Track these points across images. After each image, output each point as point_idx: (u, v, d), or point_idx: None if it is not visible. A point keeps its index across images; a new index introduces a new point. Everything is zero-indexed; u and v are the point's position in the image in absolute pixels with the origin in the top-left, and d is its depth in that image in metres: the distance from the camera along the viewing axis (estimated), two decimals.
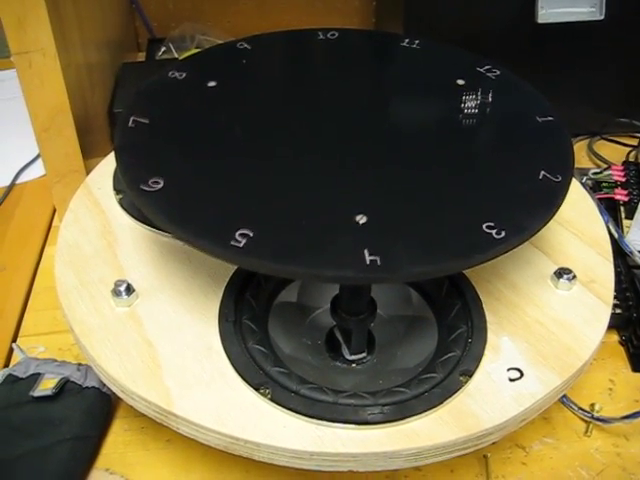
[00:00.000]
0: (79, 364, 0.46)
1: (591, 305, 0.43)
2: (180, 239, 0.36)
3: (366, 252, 0.34)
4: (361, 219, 0.36)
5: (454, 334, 0.41)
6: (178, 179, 0.38)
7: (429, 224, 0.37)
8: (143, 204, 0.37)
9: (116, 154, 0.40)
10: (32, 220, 0.63)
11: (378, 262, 0.34)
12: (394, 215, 0.37)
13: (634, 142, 0.69)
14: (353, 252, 0.34)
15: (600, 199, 0.58)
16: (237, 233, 0.35)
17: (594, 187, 0.61)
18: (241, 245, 0.34)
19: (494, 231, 0.36)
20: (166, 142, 0.41)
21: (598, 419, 0.46)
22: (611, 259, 0.47)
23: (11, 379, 0.45)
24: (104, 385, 0.44)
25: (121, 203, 0.49)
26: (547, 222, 0.38)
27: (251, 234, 0.35)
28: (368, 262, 0.34)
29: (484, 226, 0.36)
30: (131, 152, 0.40)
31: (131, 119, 0.42)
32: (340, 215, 0.36)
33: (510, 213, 0.37)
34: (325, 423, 0.36)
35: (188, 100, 0.45)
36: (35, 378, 0.45)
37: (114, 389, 0.40)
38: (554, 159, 0.41)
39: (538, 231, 0.37)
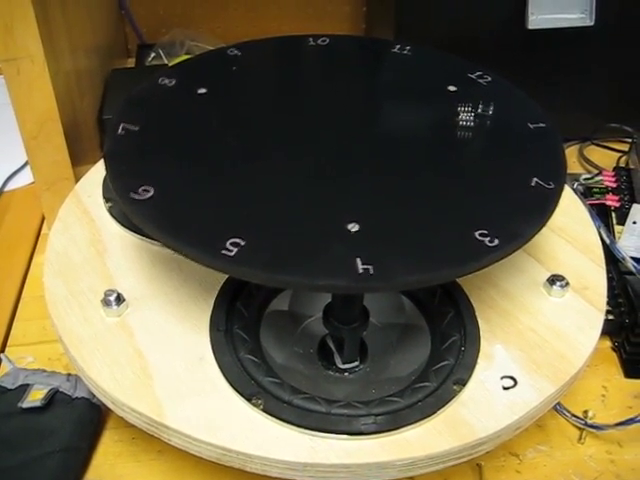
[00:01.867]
0: (69, 374, 0.46)
1: (584, 312, 0.43)
2: (170, 248, 0.36)
3: (359, 261, 0.34)
4: (353, 227, 0.36)
5: (447, 342, 0.41)
6: (168, 187, 0.38)
7: (422, 232, 0.36)
8: (133, 212, 0.37)
9: (105, 161, 0.40)
10: (20, 228, 0.63)
11: (371, 271, 0.33)
12: (387, 223, 0.37)
13: (625, 147, 0.69)
14: (345, 261, 0.34)
15: (591, 205, 0.57)
16: (228, 242, 0.34)
17: (585, 193, 0.61)
18: (232, 254, 0.34)
19: (487, 239, 0.35)
20: (156, 149, 0.41)
21: (591, 426, 0.46)
22: (603, 265, 0.46)
23: None
24: (94, 396, 0.44)
25: (111, 211, 0.49)
26: (540, 229, 0.37)
27: (242, 243, 0.34)
28: (361, 271, 0.33)
29: (477, 234, 0.36)
30: (121, 159, 0.40)
31: (121, 126, 0.42)
32: (332, 223, 0.36)
33: (503, 220, 0.37)
34: (318, 434, 0.36)
35: (178, 107, 0.45)
36: (24, 389, 0.45)
37: (104, 400, 0.39)
38: (546, 166, 0.41)
39: (531, 238, 0.37)
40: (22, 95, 0.52)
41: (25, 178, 0.68)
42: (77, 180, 0.54)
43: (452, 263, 0.35)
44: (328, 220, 0.37)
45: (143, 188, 0.37)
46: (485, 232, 0.36)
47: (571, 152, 0.71)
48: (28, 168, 0.65)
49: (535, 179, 0.40)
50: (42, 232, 0.62)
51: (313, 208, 0.38)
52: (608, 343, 0.52)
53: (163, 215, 0.36)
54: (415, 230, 0.36)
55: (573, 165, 0.70)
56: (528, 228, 0.37)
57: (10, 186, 0.68)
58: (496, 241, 0.35)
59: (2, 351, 0.51)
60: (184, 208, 0.37)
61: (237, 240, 0.34)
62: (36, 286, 0.56)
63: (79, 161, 0.58)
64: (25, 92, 0.52)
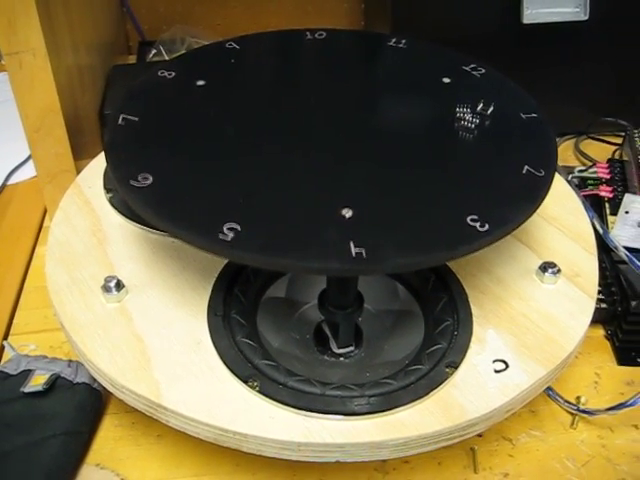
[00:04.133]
0: (70, 360, 0.47)
1: (575, 298, 0.44)
2: (169, 233, 0.37)
3: (352, 244, 0.34)
4: (347, 213, 0.36)
5: (440, 327, 0.42)
6: (167, 175, 0.39)
7: (414, 217, 0.37)
8: (132, 199, 0.38)
9: (106, 150, 0.41)
10: (23, 220, 0.64)
11: (364, 254, 0.34)
12: (379, 209, 0.38)
13: (619, 141, 0.69)
14: (339, 245, 0.35)
15: (585, 196, 0.58)
16: (225, 227, 0.35)
17: (580, 184, 0.62)
18: (229, 239, 0.35)
19: (478, 224, 0.36)
20: (155, 139, 0.42)
21: (584, 411, 0.46)
22: (595, 253, 0.47)
23: (2, 376, 0.46)
24: (95, 381, 0.45)
25: (111, 202, 0.50)
26: (530, 215, 0.38)
27: (239, 228, 0.35)
28: (354, 254, 0.34)
29: (468, 219, 0.36)
30: (121, 149, 0.41)
31: (121, 117, 0.43)
32: (327, 209, 0.37)
33: (494, 207, 0.38)
34: (312, 414, 0.37)
35: (177, 98, 0.45)
36: (26, 374, 0.45)
37: (104, 383, 0.40)
38: (538, 154, 0.42)
39: (521, 224, 0.38)
40: (24, 88, 0.53)
41: (28, 172, 0.69)
42: (78, 173, 0.55)
43: (443, 247, 0.36)
44: (323, 206, 0.37)
45: (142, 176, 0.38)
46: (476, 217, 0.37)
47: (567, 146, 0.72)
48: (31, 162, 0.65)
49: (526, 167, 0.41)
50: (44, 224, 0.63)
51: (308, 195, 0.38)
52: (601, 331, 0.53)
53: (162, 202, 0.37)
54: (408, 215, 0.37)
55: (569, 158, 0.71)
56: (518, 214, 0.38)
57: (13, 180, 0.69)
58: (487, 226, 0.36)
59: (5, 339, 0.52)
60: (182, 195, 0.38)
61: (234, 225, 0.35)
62: (38, 276, 0.57)
63: (80, 155, 0.59)
64: (27, 85, 0.53)
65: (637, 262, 0.50)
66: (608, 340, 0.53)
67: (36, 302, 0.55)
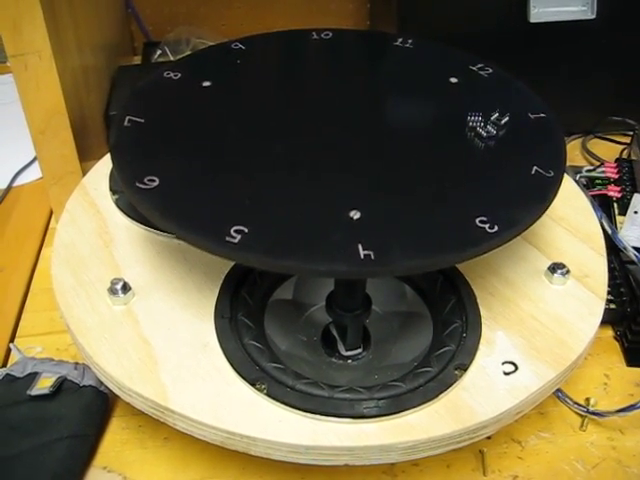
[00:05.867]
0: (76, 363, 0.46)
1: (585, 299, 0.44)
2: (175, 236, 0.37)
3: (360, 247, 0.34)
4: (355, 215, 0.36)
5: (449, 329, 0.41)
6: (173, 177, 0.39)
7: (422, 219, 0.37)
8: (138, 201, 0.37)
9: (112, 152, 0.40)
10: (29, 222, 0.64)
11: (372, 256, 0.34)
12: (388, 211, 0.37)
13: (627, 140, 0.69)
14: (347, 247, 0.34)
15: (594, 196, 0.58)
16: (232, 229, 0.35)
17: (588, 184, 0.61)
18: (236, 241, 0.34)
19: (487, 225, 0.36)
20: (161, 141, 0.42)
21: (593, 413, 0.46)
22: (604, 254, 0.47)
23: (9, 379, 0.46)
24: (101, 384, 0.44)
25: (117, 203, 0.49)
26: (539, 216, 0.38)
27: (246, 230, 0.35)
28: (362, 256, 0.34)
29: (477, 221, 0.36)
30: (127, 150, 0.41)
31: (127, 118, 0.42)
32: (334, 211, 0.37)
33: (503, 208, 0.38)
34: (321, 417, 0.37)
35: (183, 100, 0.45)
36: (32, 377, 0.45)
37: (111, 386, 0.40)
38: (546, 155, 0.42)
39: (530, 225, 0.37)
40: (30, 90, 0.53)
41: (33, 174, 0.69)
42: (84, 175, 0.55)
43: (452, 249, 0.35)
44: (330, 208, 0.37)
45: (148, 178, 0.38)
46: (485, 219, 0.36)
47: (574, 145, 0.72)
48: (36, 164, 0.65)
49: (535, 168, 0.40)
50: (50, 226, 0.63)
51: (315, 196, 0.38)
52: (610, 332, 0.53)
53: (168, 204, 0.37)
54: (416, 217, 0.37)
55: (576, 158, 0.70)
56: (527, 215, 0.38)
57: (19, 181, 0.69)
58: (495, 228, 0.36)
59: (11, 341, 0.52)
60: (189, 197, 0.38)
61: (241, 227, 0.35)
62: (44, 279, 0.57)
63: (86, 156, 0.59)
64: (33, 87, 0.53)
65: None
66: (617, 341, 0.52)
67: (42, 304, 0.55)
